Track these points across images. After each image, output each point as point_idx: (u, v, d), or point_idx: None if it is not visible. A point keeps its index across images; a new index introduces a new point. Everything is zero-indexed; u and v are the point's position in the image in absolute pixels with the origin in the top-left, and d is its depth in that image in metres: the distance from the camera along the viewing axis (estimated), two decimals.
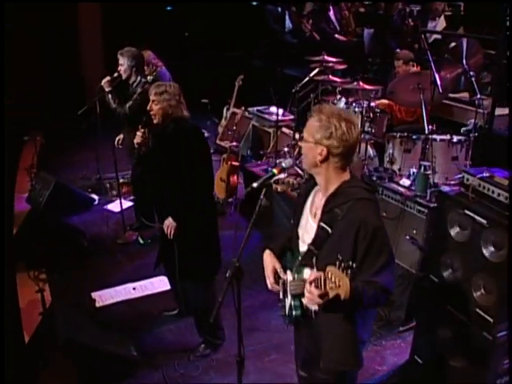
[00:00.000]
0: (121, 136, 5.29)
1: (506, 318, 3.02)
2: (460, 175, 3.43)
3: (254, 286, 4.14)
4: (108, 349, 3.62)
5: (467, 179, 3.20)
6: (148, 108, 3.61)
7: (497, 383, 3.23)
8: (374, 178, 4.55)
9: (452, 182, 4.02)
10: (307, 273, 2.30)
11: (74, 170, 6.93)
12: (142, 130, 3.80)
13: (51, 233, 4.98)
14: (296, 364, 2.81)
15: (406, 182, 4.33)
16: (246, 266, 2.38)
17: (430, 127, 4.47)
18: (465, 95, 6.23)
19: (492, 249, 3.02)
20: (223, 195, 5.97)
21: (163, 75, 6.04)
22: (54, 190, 5.08)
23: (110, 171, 5.92)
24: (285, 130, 6.70)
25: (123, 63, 4.90)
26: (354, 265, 2.04)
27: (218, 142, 7.42)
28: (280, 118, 6.34)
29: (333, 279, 1.99)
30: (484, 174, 3.12)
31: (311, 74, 5.62)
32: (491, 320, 3.04)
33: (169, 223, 3.57)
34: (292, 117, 6.71)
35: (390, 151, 4.69)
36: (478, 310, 3.11)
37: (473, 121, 4.67)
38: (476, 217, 3.08)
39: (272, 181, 2.52)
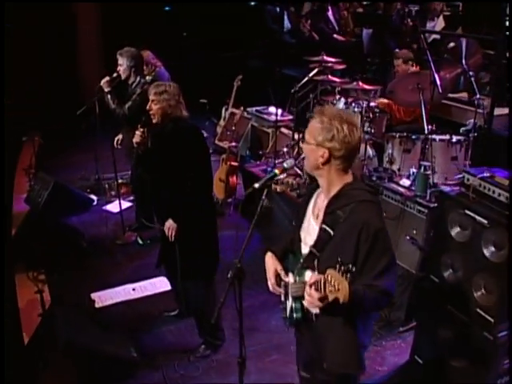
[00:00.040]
0: (120, 136, 5.28)
1: (507, 317, 3.02)
2: (460, 175, 3.43)
3: (253, 287, 4.13)
4: (108, 350, 3.62)
5: (468, 179, 3.20)
6: (147, 107, 3.61)
7: (498, 383, 3.23)
8: (374, 178, 4.55)
9: (451, 182, 4.03)
10: (309, 275, 2.29)
11: (73, 171, 6.91)
12: (142, 130, 3.78)
13: (50, 233, 4.96)
14: (297, 365, 2.80)
15: (405, 182, 4.33)
16: (245, 266, 2.37)
17: (429, 127, 4.47)
18: (464, 95, 6.24)
19: (493, 249, 3.02)
20: (222, 195, 5.96)
21: (162, 75, 6.03)
22: (52, 190, 5.05)
23: (109, 172, 5.92)
24: (284, 130, 6.69)
25: (122, 63, 4.89)
26: (354, 268, 2.03)
27: (216, 142, 7.41)
28: (279, 118, 6.33)
29: (332, 282, 1.99)
30: (484, 174, 3.12)
31: (310, 74, 5.61)
32: (492, 320, 3.04)
33: (169, 225, 3.56)
34: (291, 117, 6.71)
35: (390, 151, 4.69)
36: (478, 310, 3.11)
37: (472, 121, 4.68)
38: (477, 217, 3.08)
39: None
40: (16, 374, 3.42)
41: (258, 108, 7.41)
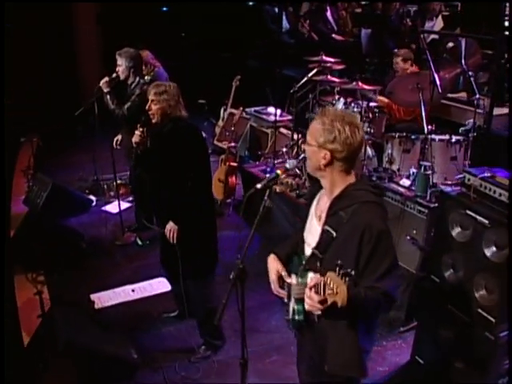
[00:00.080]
0: (119, 137, 5.27)
1: (508, 318, 3.02)
2: (461, 175, 3.43)
3: (253, 287, 4.10)
4: (108, 351, 3.60)
5: (468, 179, 3.20)
6: (147, 107, 3.60)
7: (499, 383, 3.23)
8: (374, 179, 4.55)
9: (450, 182, 4.04)
10: (311, 277, 2.26)
11: (71, 172, 6.89)
12: (141, 130, 3.78)
13: (49, 235, 4.95)
14: (298, 368, 2.78)
15: (405, 182, 4.33)
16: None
17: (429, 127, 4.47)
18: (463, 95, 6.25)
19: (494, 249, 3.02)
20: (221, 196, 5.95)
21: (161, 75, 6.02)
22: (51, 191, 5.04)
23: (107, 172, 5.91)
24: (283, 130, 6.69)
25: (121, 64, 4.88)
26: (353, 272, 2.01)
27: (215, 142, 7.40)
28: (278, 118, 6.32)
29: (331, 285, 1.97)
30: (485, 174, 3.12)
31: (310, 75, 5.60)
32: (493, 320, 3.04)
33: (170, 227, 3.54)
34: (290, 117, 6.70)
35: (389, 151, 4.69)
36: (479, 310, 3.11)
37: (471, 121, 4.68)
38: (478, 217, 3.08)
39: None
40: (16, 374, 3.41)
41: (256, 108, 7.40)
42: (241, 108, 6.96)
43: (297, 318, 2.39)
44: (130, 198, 6.04)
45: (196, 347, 3.87)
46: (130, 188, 5.98)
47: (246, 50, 9.55)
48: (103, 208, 6.06)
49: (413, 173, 4.32)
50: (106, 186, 6.37)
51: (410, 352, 3.78)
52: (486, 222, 3.04)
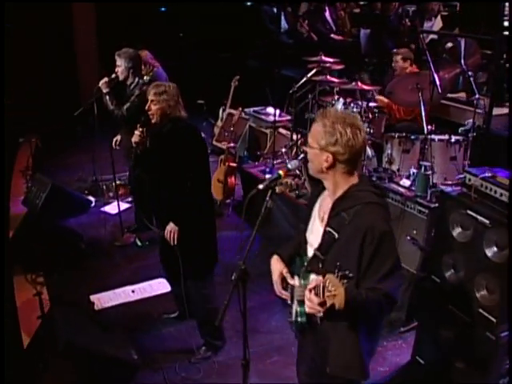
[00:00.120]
0: (118, 137, 5.26)
1: (508, 318, 3.02)
2: (461, 175, 3.43)
3: (254, 288, 4.09)
4: (109, 351, 3.58)
5: (469, 179, 3.20)
6: (146, 108, 3.59)
7: (499, 383, 3.22)
8: (374, 179, 4.54)
9: (450, 182, 4.04)
10: (313, 278, 2.25)
11: (70, 172, 6.88)
12: (141, 129, 3.77)
13: (48, 235, 4.93)
14: (297, 370, 2.76)
15: (406, 182, 4.33)
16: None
17: (429, 127, 4.47)
18: (462, 95, 6.25)
19: (495, 249, 3.02)
20: (221, 196, 5.95)
21: (160, 75, 6.02)
22: (50, 192, 5.01)
23: (106, 173, 5.89)
24: (282, 130, 6.68)
25: (120, 64, 4.87)
26: (351, 274, 2.00)
27: (214, 143, 7.39)
28: (277, 118, 6.32)
29: (329, 287, 1.96)
30: (486, 174, 3.12)
31: (309, 75, 5.60)
32: (494, 320, 3.04)
33: (171, 228, 3.53)
34: (289, 117, 6.69)
35: (389, 151, 4.69)
36: (480, 310, 3.11)
37: (470, 121, 4.68)
38: (478, 217, 3.08)
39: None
40: (16, 374, 3.40)
41: (255, 108, 7.38)
42: (240, 108, 6.96)
43: (299, 319, 2.38)
44: (130, 199, 6.03)
45: (196, 348, 3.86)
46: (129, 188, 5.97)
47: (244, 50, 9.54)
48: (102, 209, 6.04)
49: (413, 173, 4.32)
50: (105, 187, 6.36)
51: (411, 352, 3.78)
52: (487, 222, 3.03)
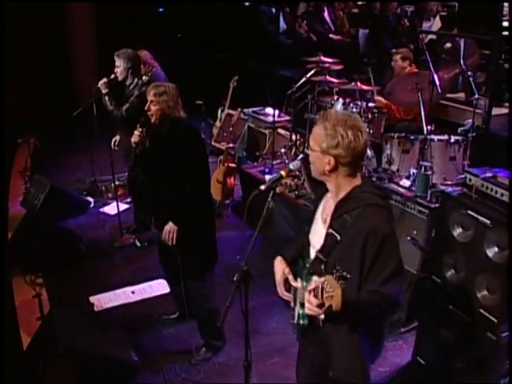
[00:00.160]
0: (117, 138, 5.25)
1: (508, 318, 3.02)
2: (462, 175, 3.43)
3: (254, 289, 4.08)
4: (109, 352, 3.58)
5: (470, 179, 3.20)
6: (146, 108, 3.58)
7: (500, 383, 3.22)
8: (374, 179, 4.54)
9: (450, 182, 4.03)
10: (315, 280, 2.25)
11: (69, 173, 6.87)
12: (140, 130, 3.77)
13: (47, 236, 4.92)
14: (296, 372, 2.73)
15: (406, 182, 4.32)
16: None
17: (428, 127, 4.47)
18: (461, 95, 6.25)
19: (495, 249, 3.02)
20: (220, 197, 5.94)
21: (158, 75, 6.00)
22: (49, 193, 5.01)
23: (105, 173, 5.88)
24: (281, 131, 6.68)
25: (119, 65, 4.87)
26: (349, 275, 1.99)
27: (213, 143, 7.39)
28: (276, 119, 6.31)
29: (327, 289, 1.95)
30: (487, 174, 3.12)
31: (308, 75, 5.60)
32: (495, 320, 3.04)
33: (170, 228, 3.52)
34: (288, 118, 6.68)
35: (388, 152, 4.68)
36: (481, 310, 3.11)
37: (470, 121, 4.68)
38: (479, 217, 3.08)
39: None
40: (16, 375, 3.39)
41: (254, 109, 7.36)
42: (239, 109, 6.95)
43: (301, 322, 2.37)
44: (129, 200, 6.02)
45: (196, 349, 3.85)
46: (128, 189, 5.95)
47: (243, 50, 9.53)
48: (101, 209, 6.03)
49: (413, 173, 4.31)
50: (104, 188, 6.35)
51: (411, 352, 3.77)
52: (488, 222, 3.03)
